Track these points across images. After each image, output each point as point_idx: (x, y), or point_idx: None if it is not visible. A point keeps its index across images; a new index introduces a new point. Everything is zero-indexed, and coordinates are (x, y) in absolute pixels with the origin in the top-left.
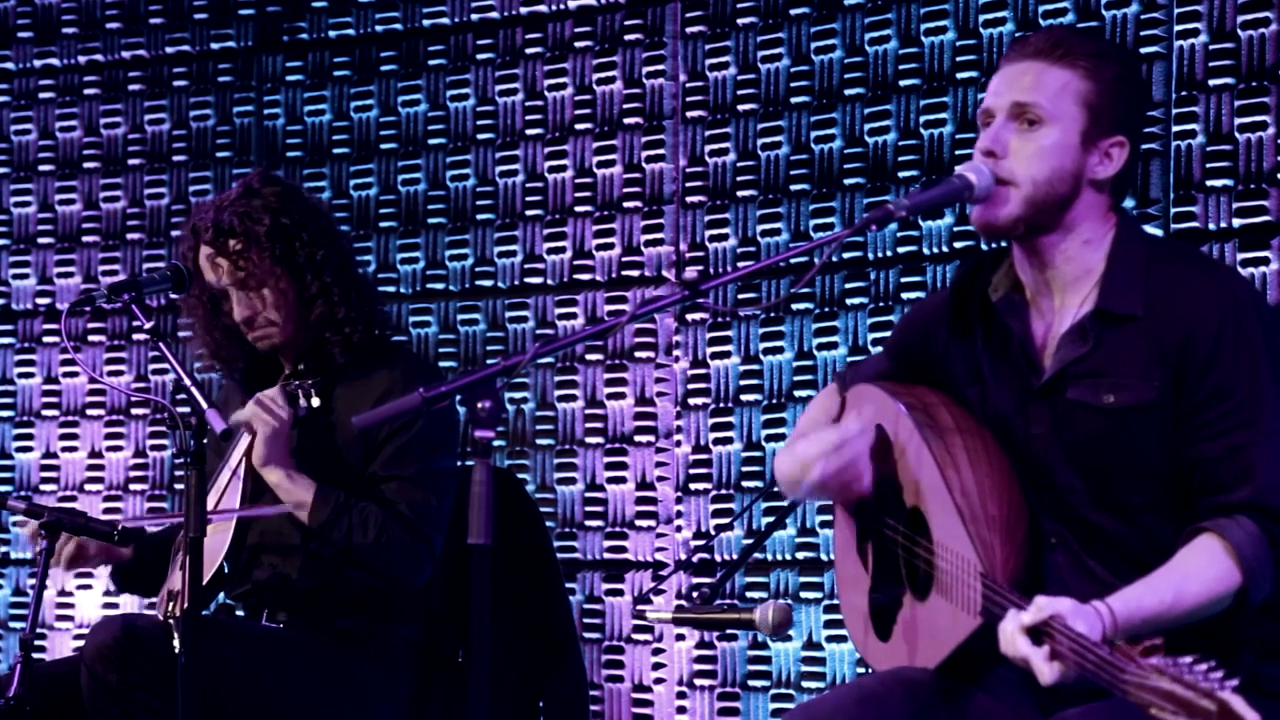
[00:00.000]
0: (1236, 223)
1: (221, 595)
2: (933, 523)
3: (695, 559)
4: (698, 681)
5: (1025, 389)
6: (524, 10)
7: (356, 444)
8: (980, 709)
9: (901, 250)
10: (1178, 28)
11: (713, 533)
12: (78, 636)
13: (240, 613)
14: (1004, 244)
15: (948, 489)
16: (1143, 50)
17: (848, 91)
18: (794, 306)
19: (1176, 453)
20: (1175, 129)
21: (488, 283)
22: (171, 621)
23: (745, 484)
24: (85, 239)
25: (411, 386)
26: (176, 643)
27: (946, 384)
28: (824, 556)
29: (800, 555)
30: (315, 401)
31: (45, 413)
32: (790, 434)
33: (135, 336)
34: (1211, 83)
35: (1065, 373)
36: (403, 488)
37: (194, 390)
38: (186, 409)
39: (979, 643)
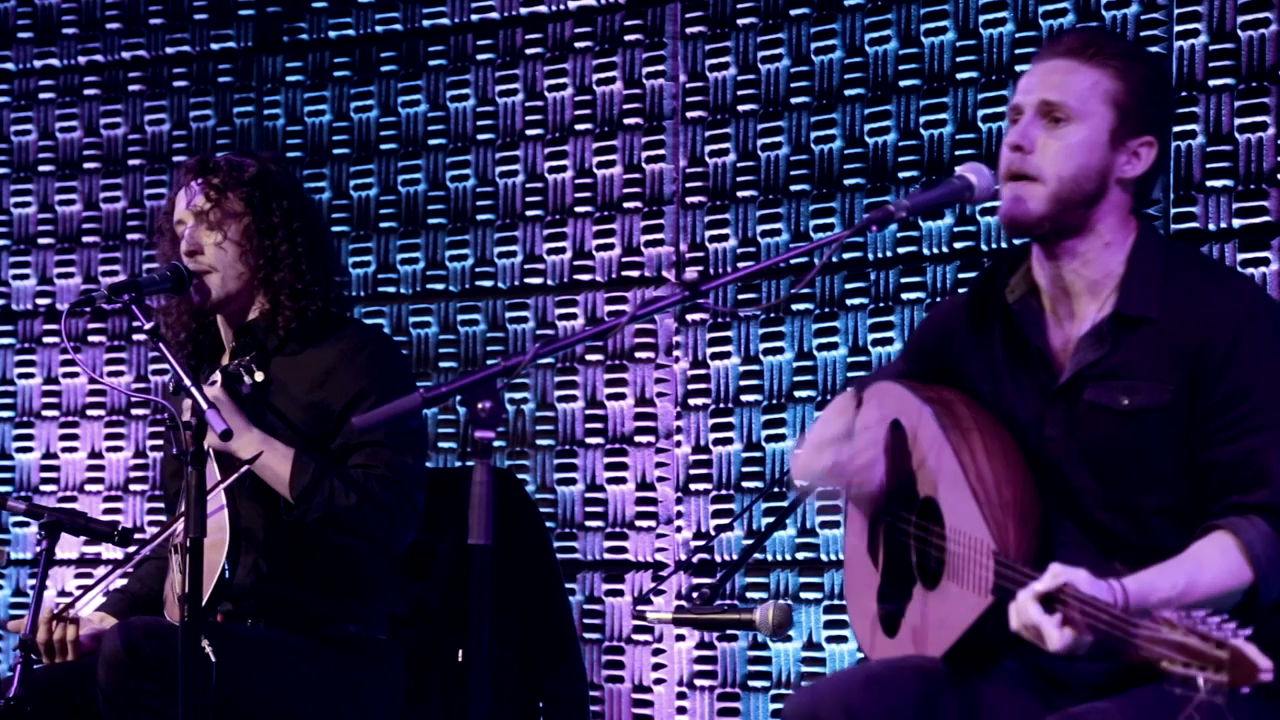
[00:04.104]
0: (1236, 223)
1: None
2: (946, 508)
3: (695, 559)
4: (698, 682)
5: (1041, 391)
6: (524, 11)
7: (306, 416)
8: (989, 697)
9: (901, 251)
10: (1178, 28)
11: (713, 533)
12: None
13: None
14: (1024, 241)
15: (963, 473)
16: None
17: (848, 92)
18: (794, 307)
19: (1190, 456)
20: (1175, 129)
21: (488, 283)
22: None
23: (745, 484)
24: (85, 239)
25: (359, 356)
26: (208, 647)
27: (964, 385)
28: (824, 557)
29: (800, 555)
30: (259, 376)
31: (45, 413)
32: (809, 440)
33: (135, 337)
34: (1211, 83)
35: (1082, 375)
36: (376, 451)
37: (194, 390)
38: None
39: (987, 629)
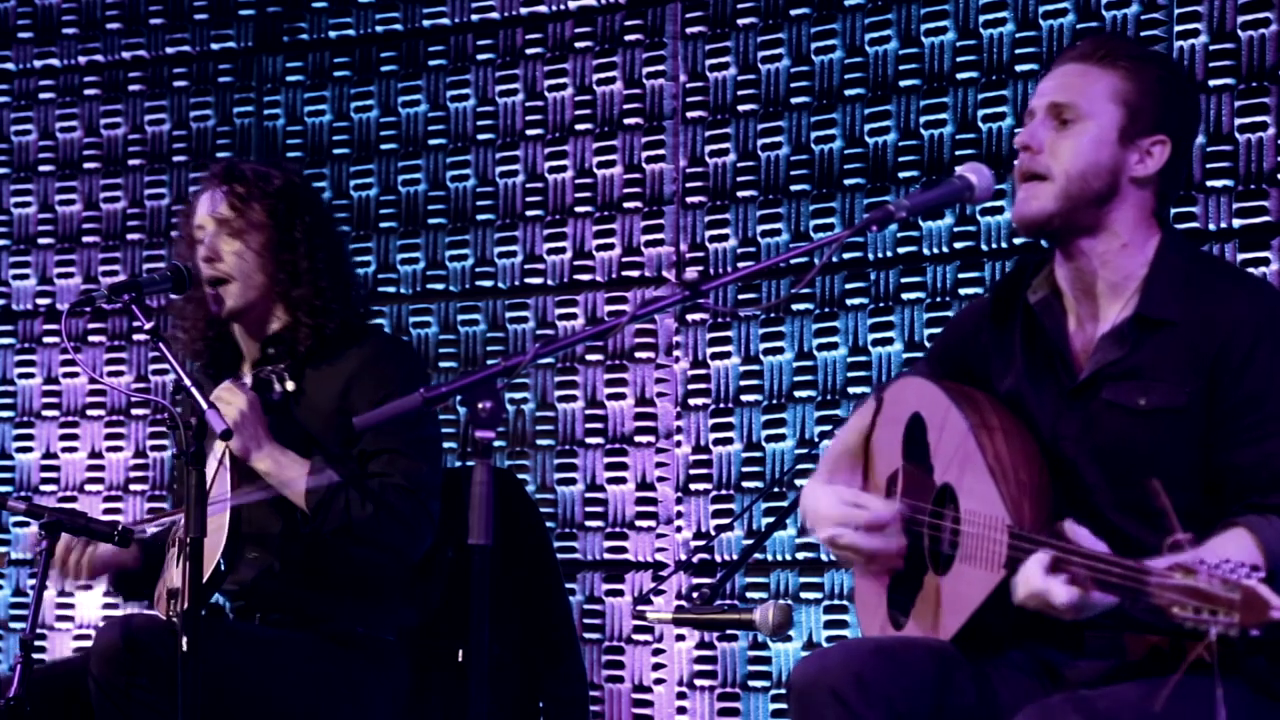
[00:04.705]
0: (1236, 223)
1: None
2: (963, 492)
3: (695, 559)
4: (698, 682)
5: (1059, 390)
6: (524, 11)
7: (332, 425)
8: (995, 680)
9: (901, 251)
10: (1178, 28)
11: (713, 533)
12: (78, 637)
13: (229, 614)
14: (1044, 244)
15: (981, 453)
16: None
17: (848, 92)
18: (794, 307)
19: (1202, 459)
20: None
21: (488, 283)
22: (176, 620)
23: (745, 484)
24: (85, 239)
25: (379, 364)
26: (185, 641)
27: (986, 384)
28: (824, 557)
29: (800, 555)
30: (290, 385)
31: (45, 413)
32: (824, 452)
33: (135, 337)
34: (1211, 83)
35: (1101, 374)
36: (393, 459)
37: (194, 390)
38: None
39: (998, 608)
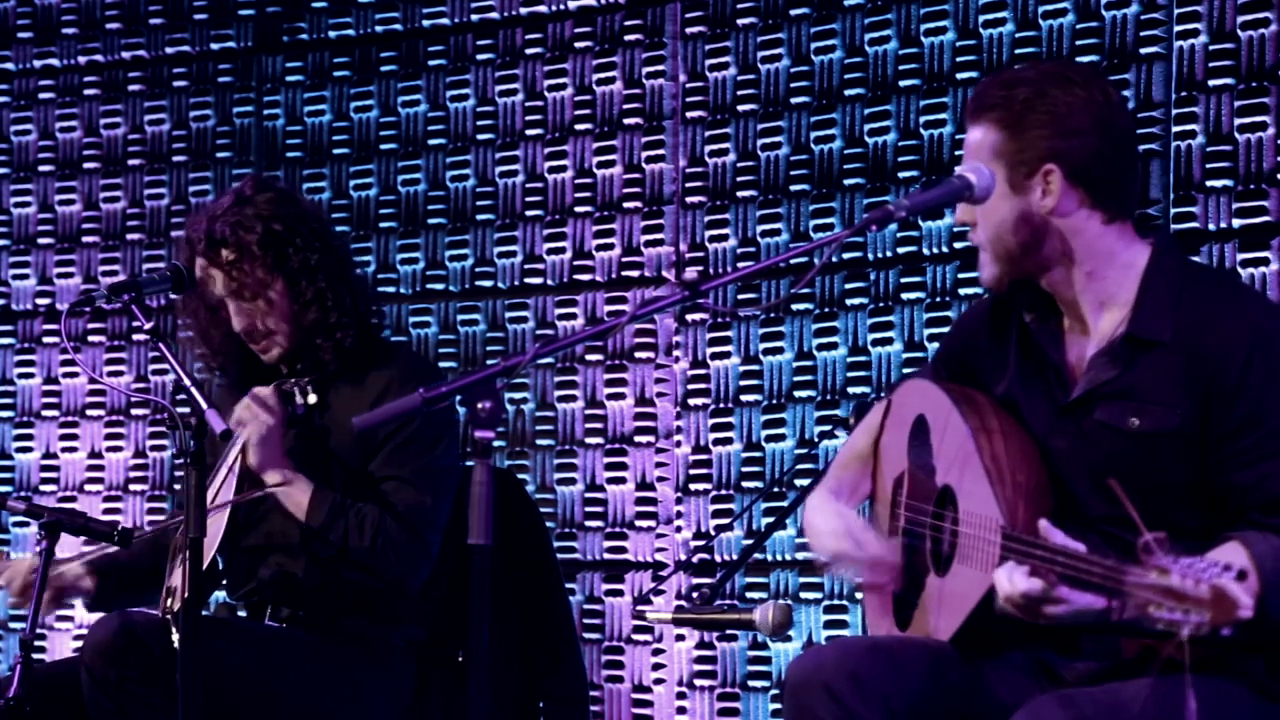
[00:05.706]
0: (1236, 223)
1: (223, 595)
2: (961, 492)
3: (695, 559)
4: (698, 682)
5: (1051, 403)
6: (524, 10)
7: (355, 442)
8: (991, 678)
9: (901, 251)
10: (1177, 28)
11: (712, 533)
12: (77, 637)
13: (242, 612)
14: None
15: (979, 454)
16: (1142, 51)
17: (848, 92)
18: (794, 307)
19: (1195, 478)
20: (1175, 129)
21: (488, 283)
22: (170, 617)
23: (745, 484)
24: (85, 239)
25: (407, 386)
26: (175, 638)
27: (986, 386)
28: (824, 557)
29: (800, 555)
30: (312, 398)
31: (45, 413)
32: (834, 455)
33: (135, 337)
34: (1211, 83)
35: (1094, 393)
36: (400, 488)
37: (194, 390)
38: (186, 409)
39: (991, 615)
